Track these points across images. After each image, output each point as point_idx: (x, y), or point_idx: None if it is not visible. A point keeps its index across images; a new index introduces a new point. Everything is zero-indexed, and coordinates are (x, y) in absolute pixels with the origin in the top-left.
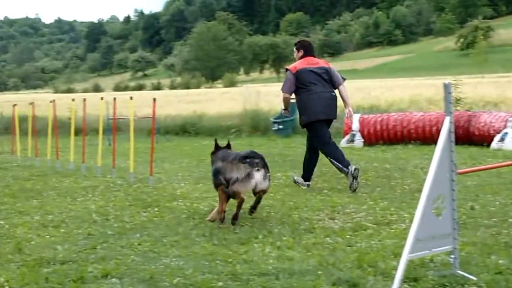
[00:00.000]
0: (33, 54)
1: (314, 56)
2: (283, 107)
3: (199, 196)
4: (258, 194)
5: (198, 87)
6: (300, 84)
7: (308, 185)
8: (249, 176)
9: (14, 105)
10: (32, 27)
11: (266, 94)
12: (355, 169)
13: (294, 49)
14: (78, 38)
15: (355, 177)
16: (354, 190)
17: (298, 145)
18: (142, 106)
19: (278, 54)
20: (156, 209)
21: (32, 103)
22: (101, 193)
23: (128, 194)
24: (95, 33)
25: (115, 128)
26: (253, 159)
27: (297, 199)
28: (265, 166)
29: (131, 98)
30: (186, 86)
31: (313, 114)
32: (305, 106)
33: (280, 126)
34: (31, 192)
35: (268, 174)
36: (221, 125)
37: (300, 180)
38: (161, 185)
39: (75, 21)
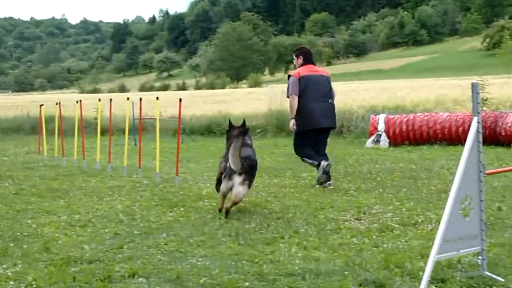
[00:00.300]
0: (59, 54)
1: (314, 64)
2: (290, 116)
3: None
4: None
5: (223, 87)
6: (302, 91)
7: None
8: (230, 177)
9: (41, 105)
10: (58, 27)
11: None
12: (327, 164)
13: (294, 56)
14: (104, 39)
15: (325, 172)
16: (320, 183)
17: None
18: (168, 106)
19: None
20: (182, 209)
21: (58, 103)
22: (127, 193)
23: (154, 194)
24: (121, 33)
25: (141, 128)
26: (243, 163)
27: (322, 200)
28: (247, 173)
29: (157, 98)
30: (211, 87)
31: (315, 122)
32: (306, 113)
33: None
34: (58, 192)
35: (246, 182)
36: (246, 125)
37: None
38: (187, 185)
39: (100, 21)
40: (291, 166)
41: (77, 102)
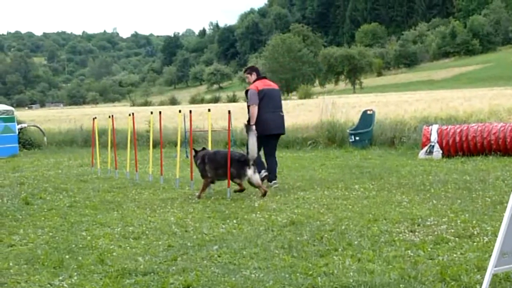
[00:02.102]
0: (110, 68)
1: (266, 78)
2: (250, 123)
3: (277, 208)
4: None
5: None
6: (259, 102)
7: (275, 183)
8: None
9: (94, 118)
10: (109, 41)
11: (342, 105)
12: (265, 176)
13: (246, 75)
14: (155, 52)
15: (262, 180)
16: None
17: (376, 157)
18: (218, 119)
19: (353, 66)
20: (234, 221)
21: (111, 116)
22: (180, 205)
23: (207, 206)
24: (171, 46)
25: (192, 140)
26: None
27: (375, 212)
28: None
29: (209, 110)
30: None
31: (268, 129)
32: (262, 122)
33: (357, 138)
34: (111, 204)
35: (256, 170)
36: (297, 137)
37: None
38: (239, 197)
39: (151, 35)
40: (343, 177)
41: (129, 115)
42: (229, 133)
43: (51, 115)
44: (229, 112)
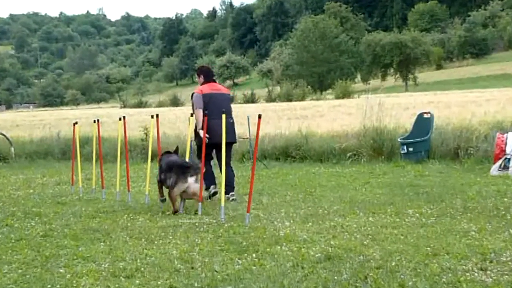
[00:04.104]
0: (95, 59)
1: (215, 81)
2: (198, 127)
3: (309, 239)
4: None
5: (303, 99)
6: (205, 108)
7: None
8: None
9: (75, 123)
10: (94, 25)
11: (391, 107)
12: (213, 193)
13: (196, 75)
14: (151, 39)
15: (210, 196)
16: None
17: (434, 172)
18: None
19: (405, 56)
20: (254, 255)
21: (96, 121)
22: (184, 234)
23: (218, 236)
24: (172, 32)
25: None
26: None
27: (435, 243)
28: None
29: (223, 112)
30: (288, 98)
31: (216, 136)
32: (208, 129)
33: (410, 149)
34: (97, 233)
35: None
36: (333, 147)
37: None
38: (259, 225)
39: (147, 17)
40: (392, 199)
41: (120, 119)
42: (256, 143)
43: (20, 120)
44: (259, 116)
